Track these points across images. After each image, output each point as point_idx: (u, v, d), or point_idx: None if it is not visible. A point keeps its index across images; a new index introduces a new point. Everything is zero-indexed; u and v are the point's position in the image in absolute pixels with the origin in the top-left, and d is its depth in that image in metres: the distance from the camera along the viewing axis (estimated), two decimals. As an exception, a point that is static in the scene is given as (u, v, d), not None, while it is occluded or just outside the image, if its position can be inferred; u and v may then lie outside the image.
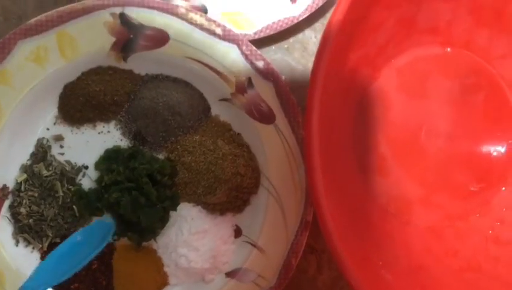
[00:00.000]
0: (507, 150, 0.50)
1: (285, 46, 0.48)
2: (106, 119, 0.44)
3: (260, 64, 0.43)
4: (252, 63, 0.43)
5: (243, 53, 0.42)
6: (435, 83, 0.50)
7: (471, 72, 0.50)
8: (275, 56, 0.48)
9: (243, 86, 0.43)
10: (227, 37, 0.42)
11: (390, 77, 0.49)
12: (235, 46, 0.42)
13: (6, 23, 0.44)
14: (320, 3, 0.45)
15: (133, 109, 0.44)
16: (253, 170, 0.45)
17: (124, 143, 0.44)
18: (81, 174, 0.43)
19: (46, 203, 0.42)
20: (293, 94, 0.44)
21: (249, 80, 0.43)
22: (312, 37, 0.48)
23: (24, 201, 0.42)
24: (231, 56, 0.42)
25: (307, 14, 0.45)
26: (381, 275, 0.43)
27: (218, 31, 0.42)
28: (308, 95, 0.39)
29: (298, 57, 0.48)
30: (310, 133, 0.38)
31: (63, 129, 0.43)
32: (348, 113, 0.47)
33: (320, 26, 0.48)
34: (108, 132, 0.44)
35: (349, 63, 0.46)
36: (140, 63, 0.43)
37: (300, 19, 0.44)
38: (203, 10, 0.44)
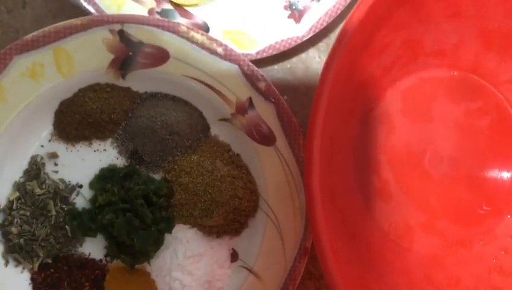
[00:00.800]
0: (512, 176, 0.49)
1: (288, 65, 0.47)
2: (102, 137, 0.43)
3: (261, 85, 0.42)
4: (253, 84, 0.42)
5: (244, 73, 0.41)
6: (440, 107, 0.48)
7: (478, 96, 0.49)
8: (277, 76, 0.47)
9: (244, 107, 0.42)
10: (229, 57, 0.41)
11: (394, 98, 0.48)
12: (237, 66, 0.41)
13: (4, 37, 0.44)
14: (325, 24, 0.44)
15: (130, 128, 0.43)
16: (252, 193, 0.43)
17: (120, 162, 0.43)
18: (74, 193, 0.42)
19: (38, 223, 0.41)
20: (295, 114, 0.43)
21: (250, 100, 0.42)
22: (316, 57, 0.47)
23: (15, 220, 0.40)
24: (232, 76, 0.41)
25: (311, 35, 0.44)
26: (381, 305, 0.42)
27: (220, 50, 0.41)
28: (311, 115, 0.37)
29: (301, 77, 0.47)
30: (311, 155, 0.37)
31: (58, 146, 0.42)
32: (350, 135, 0.46)
33: (324, 46, 0.47)
34: (104, 150, 0.43)
35: (353, 84, 0.44)
36: (139, 81, 0.42)
37: (304, 39, 0.44)
38: (205, 28, 0.43)
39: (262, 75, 0.42)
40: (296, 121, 0.42)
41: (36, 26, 0.42)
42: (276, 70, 0.47)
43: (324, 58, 0.48)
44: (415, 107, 0.48)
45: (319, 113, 0.37)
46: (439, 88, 0.48)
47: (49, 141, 0.42)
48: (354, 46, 0.38)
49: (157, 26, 0.40)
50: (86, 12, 0.42)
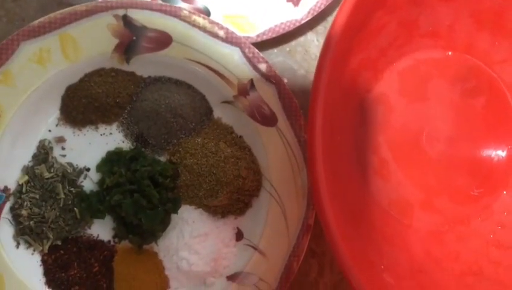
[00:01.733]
0: (508, 154, 0.50)
1: (287, 49, 0.48)
2: (108, 121, 0.44)
3: (262, 67, 0.43)
4: (254, 66, 0.43)
5: (245, 56, 0.43)
6: (436, 87, 0.50)
7: (472, 76, 0.50)
8: (277, 59, 0.48)
9: (245, 89, 0.43)
10: (230, 39, 0.42)
11: (391, 80, 0.49)
12: (238, 49, 0.42)
13: (10, 25, 0.44)
14: (323, 7, 0.45)
15: (135, 111, 0.44)
16: (255, 173, 0.44)
17: (126, 145, 0.44)
18: (82, 176, 0.43)
19: (47, 205, 0.42)
20: (296, 97, 0.44)
21: (251, 82, 0.43)
22: (314, 40, 0.48)
23: (25, 203, 0.41)
24: (234, 59, 0.43)
25: (310, 18, 0.45)
26: (383, 279, 0.43)
27: (221, 33, 0.42)
28: (311, 98, 0.39)
29: (300, 60, 0.49)
30: (313, 135, 0.38)
31: (65, 131, 0.43)
32: (349, 116, 0.47)
33: (322, 29, 0.49)
34: (111, 133, 0.44)
35: (351, 66, 0.46)
36: (143, 65, 0.43)
37: (303, 22, 0.45)
38: (206, 13, 0.44)
39: (263, 57, 0.43)
40: (297, 102, 0.44)
41: (41, 14, 0.43)
42: (276, 54, 0.48)
43: (322, 41, 0.49)
44: (412, 88, 0.49)
45: (319, 95, 0.39)
46: (435, 69, 0.50)
47: (57, 125, 0.43)
48: (351, 28, 0.39)
49: (160, 11, 0.41)
50: (90, 1, 0.43)
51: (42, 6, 0.44)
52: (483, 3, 0.47)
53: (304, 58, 0.48)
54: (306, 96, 0.45)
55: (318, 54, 0.48)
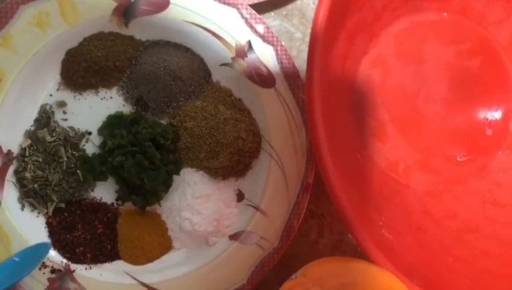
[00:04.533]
0: (502, 114, 0.51)
1: (284, 12, 0.48)
2: (108, 85, 0.44)
3: (260, 28, 0.43)
4: (251, 27, 0.43)
5: (242, 17, 0.43)
6: (431, 49, 0.50)
7: (467, 37, 0.51)
8: (274, 22, 0.48)
9: (243, 50, 0.44)
10: (227, 1, 0.43)
11: (387, 42, 0.49)
12: (235, 10, 0.43)
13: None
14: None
15: (134, 75, 0.44)
16: (255, 134, 0.45)
17: (126, 109, 0.44)
18: (84, 139, 0.44)
19: (51, 169, 0.42)
20: (293, 60, 0.44)
21: (249, 43, 0.44)
22: (310, 4, 0.49)
23: (29, 166, 0.42)
24: (231, 20, 0.43)
25: (306, -21, 0.45)
26: (382, 234, 0.44)
27: (218, -6, 0.42)
28: (308, 60, 0.39)
29: (297, 23, 0.49)
30: (312, 95, 0.39)
31: (66, 95, 0.44)
32: (346, 78, 0.48)
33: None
34: (111, 97, 0.44)
35: (347, 28, 0.46)
36: (142, 29, 0.44)
37: (299, -17, 0.45)
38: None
39: (260, 18, 0.43)
40: (295, 63, 0.44)
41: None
42: (273, 18, 0.48)
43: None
44: (407, 50, 0.50)
45: (316, 56, 0.39)
46: (430, 30, 0.50)
47: (57, 90, 0.44)
48: None
49: (158, -28, 0.42)
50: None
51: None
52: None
53: (300, 21, 0.49)
54: (304, 58, 0.45)
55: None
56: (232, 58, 0.44)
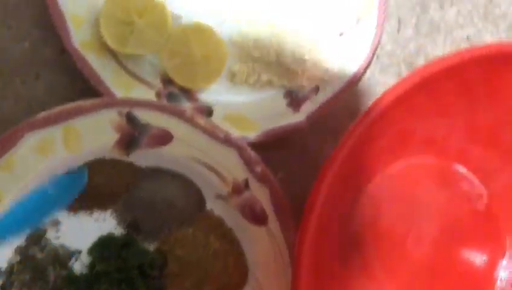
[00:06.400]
0: (488, 260, 0.51)
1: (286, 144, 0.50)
2: (103, 208, 0.45)
3: (258, 169, 0.44)
4: (249, 167, 0.44)
5: (242, 157, 0.44)
6: (425, 192, 0.51)
7: (461, 184, 0.52)
8: (274, 153, 0.49)
9: (240, 187, 0.45)
10: (228, 141, 0.43)
11: (383, 182, 0.50)
12: (235, 151, 0.44)
13: (16, 107, 0.45)
14: (322, 114, 0.46)
15: (130, 200, 0.45)
16: (242, 267, 0.46)
17: (118, 231, 0.45)
18: (74, 258, 0.44)
19: (37, 287, 0.43)
20: (290, 191, 0.45)
21: (246, 182, 0.44)
22: (310, 139, 0.50)
23: (15, 283, 0.42)
24: (231, 159, 0.44)
25: (309, 123, 0.46)
26: None
27: (220, 135, 0.43)
28: (304, 215, 0.40)
29: (298, 154, 0.50)
30: (303, 244, 0.40)
31: (60, 214, 0.44)
32: (338, 216, 0.48)
33: (320, 131, 0.50)
34: (104, 219, 0.45)
35: (346, 172, 0.47)
36: (142, 157, 0.44)
37: (301, 126, 0.46)
38: (208, 111, 0.45)
39: (258, 160, 0.44)
40: (292, 198, 0.45)
41: (48, 97, 0.45)
42: (274, 149, 0.49)
43: (319, 142, 0.51)
44: (401, 192, 0.51)
45: (312, 217, 0.40)
46: (425, 174, 0.51)
47: (53, 209, 0.45)
48: (357, 144, 0.41)
49: (164, 111, 0.42)
50: (94, 88, 0.44)
51: (49, 89, 0.45)
52: (478, 119, 0.48)
53: (301, 154, 0.50)
54: (302, 187, 0.46)
55: (316, 154, 0.50)
56: (228, 192, 0.45)
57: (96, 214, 0.45)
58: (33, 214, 0.37)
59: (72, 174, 0.41)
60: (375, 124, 0.43)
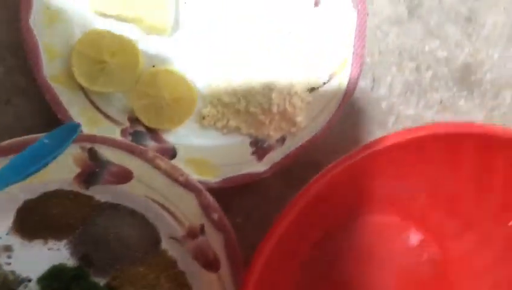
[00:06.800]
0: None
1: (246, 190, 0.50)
2: (58, 238, 0.45)
3: (215, 215, 0.44)
4: (207, 213, 0.44)
5: (200, 203, 0.44)
6: (384, 249, 0.51)
7: (421, 245, 0.52)
8: (235, 198, 0.49)
9: (195, 232, 0.45)
10: (188, 185, 0.44)
11: (340, 235, 0.51)
12: (194, 195, 0.44)
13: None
14: (285, 164, 0.47)
15: (85, 233, 0.45)
16: (190, 312, 0.46)
17: (71, 262, 0.45)
18: (23, 285, 0.44)
19: (-19, 312, 0.43)
20: (245, 237, 0.45)
21: (202, 227, 0.45)
22: (273, 185, 0.50)
23: (-40, 306, 0.43)
24: (189, 203, 0.44)
25: (271, 172, 0.47)
26: None
27: (181, 179, 0.43)
28: (250, 265, 0.40)
29: (258, 202, 0.50)
30: None
31: (14, 240, 0.44)
32: (290, 274, 0.48)
33: (284, 177, 0.50)
34: (58, 249, 0.45)
35: (301, 227, 0.47)
36: (101, 192, 0.44)
37: (264, 176, 0.46)
38: (172, 153, 0.46)
39: (217, 206, 0.45)
40: (250, 244, 0.44)
41: (16, 123, 0.45)
42: (236, 193, 0.50)
43: (282, 188, 0.51)
44: (359, 247, 0.51)
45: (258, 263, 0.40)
46: (386, 231, 0.51)
47: (7, 234, 0.44)
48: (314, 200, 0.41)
49: (127, 150, 0.43)
50: (61, 121, 0.44)
51: (17, 116, 0.46)
52: (439, 187, 0.48)
53: (261, 201, 0.50)
54: (257, 237, 0.46)
55: (277, 199, 0.50)
56: (183, 236, 0.45)
57: (51, 243, 0.45)
58: (31, 161, 0.38)
59: (66, 126, 0.42)
60: (334, 182, 0.44)
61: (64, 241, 0.45)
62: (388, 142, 0.41)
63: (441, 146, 0.42)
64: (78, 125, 0.42)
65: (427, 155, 0.43)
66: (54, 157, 0.39)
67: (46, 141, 0.40)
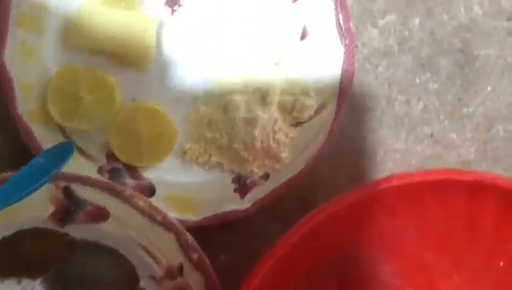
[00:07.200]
0: None
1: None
2: (33, 277, 0.43)
3: (194, 255, 0.43)
4: (186, 253, 0.43)
5: (179, 242, 0.42)
6: (372, 288, 0.50)
7: (411, 285, 0.51)
8: (218, 235, 0.48)
9: (173, 272, 0.43)
10: (166, 224, 0.42)
11: (328, 277, 0.49)
12: (173, 235, 0.43)
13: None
14: (268, 201, 0.45)
15: (61, 271, 0.44)
16: None
17: (45, 301, 0.44)
18: (-6, 324, 0.44)
19: None
20: (229, 272, 0.43)
21: (181, 267, 0.43)
22: (257, 219, 0.49)
23: None
24: (167, 242, 0.43)
25: (255, 209, 0.45)
26: None
27: (159, 218, 0.42)
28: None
29: (241, 234, 0.49)
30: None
31: (-14, 279, 0.44)
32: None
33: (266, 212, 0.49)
34: (32, 288, 0.44)
35: (286, 264, 0.46)
36: (78, 229, 0.43)
37: (247, 213, 0.45)
38: (151, 190, 0.45)
39: (196, 247, 0.43)
40: (234, 282, 0.43)
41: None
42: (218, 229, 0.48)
43: (266, 223, 0.49)
44: (346, 286, 0.50)
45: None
46: (373, 269, 0.50)
47: (-20, 272, 0.44)
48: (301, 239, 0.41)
49: (103, 188, 0.41)
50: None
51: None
52: (429, 226, 0.47)
53: (244, 233, 0.49)
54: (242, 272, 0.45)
55: (260, 233, 0.49)
56: (161, 276, 0.44)
57: (25, 282, 0.44)
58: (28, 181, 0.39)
59: (59, 145, 0.42)
60: (321, 221, 0.43)
61: (39, 280, 0.44)
62: (384, 185, 0.42)
63: (433, 190, 0.41)
64: (71, 143, 0.42)
65: (418, 198, 0.42)
66: (51, 177, 0.39)
67: (41, 160, 0.40)
